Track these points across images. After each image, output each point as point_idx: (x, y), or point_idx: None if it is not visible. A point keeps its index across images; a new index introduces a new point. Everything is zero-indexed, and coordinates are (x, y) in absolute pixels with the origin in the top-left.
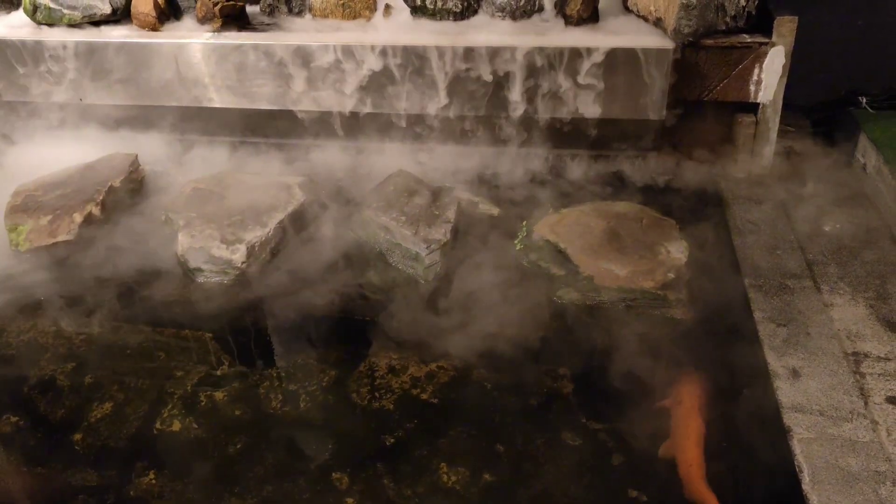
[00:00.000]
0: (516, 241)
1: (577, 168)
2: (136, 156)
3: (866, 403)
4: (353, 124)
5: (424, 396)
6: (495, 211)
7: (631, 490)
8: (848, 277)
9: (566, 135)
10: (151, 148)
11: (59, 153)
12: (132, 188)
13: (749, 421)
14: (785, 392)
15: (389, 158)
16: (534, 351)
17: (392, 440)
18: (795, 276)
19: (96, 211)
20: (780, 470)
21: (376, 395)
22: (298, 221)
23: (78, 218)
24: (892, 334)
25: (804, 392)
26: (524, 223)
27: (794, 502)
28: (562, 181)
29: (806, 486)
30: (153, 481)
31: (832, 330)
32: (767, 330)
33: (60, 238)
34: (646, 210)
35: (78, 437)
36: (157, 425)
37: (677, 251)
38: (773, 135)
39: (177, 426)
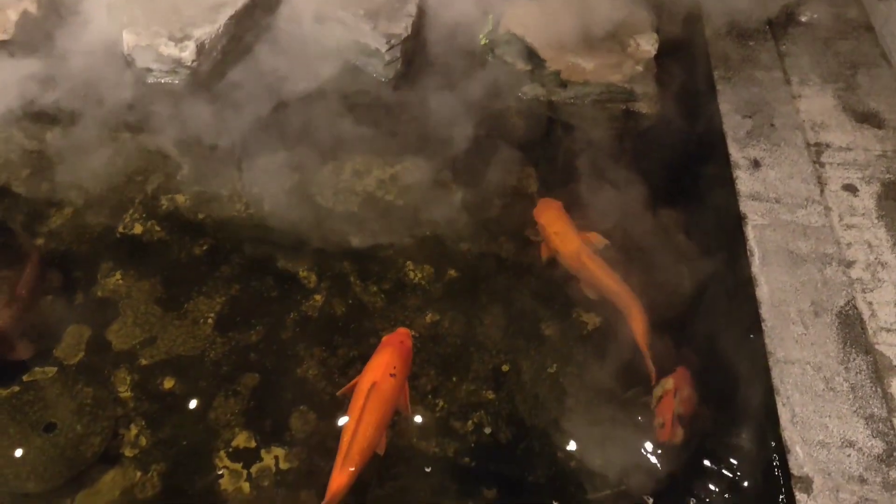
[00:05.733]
0: (481, 36)
1: None
2: None
3: (822, 191)
4: None
5: (389, 198)
6: None
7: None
8: (819, 69)
9: None
10: None
11: None
12: None
13: (705, 211)
14: (744, 181)
15: None
16: (496, 150)
17: (357, 241)
18: (766, 67)
19: (32, 8)
20: (731, 254)
21: (341, 197)
22: (250, 18)
23: (13, 16)
24: (857, 124)
25: (763, 181)
26: (490, 16)
27: (743, 283)
28: None
29: (755, 268)
30: (120, 281)
31: (797, 121)
32: (732, 122)
33: None
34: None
35: (40, 241)
36: (120, 229)
37: (647, 44)
38: None
39: (139, 230)
